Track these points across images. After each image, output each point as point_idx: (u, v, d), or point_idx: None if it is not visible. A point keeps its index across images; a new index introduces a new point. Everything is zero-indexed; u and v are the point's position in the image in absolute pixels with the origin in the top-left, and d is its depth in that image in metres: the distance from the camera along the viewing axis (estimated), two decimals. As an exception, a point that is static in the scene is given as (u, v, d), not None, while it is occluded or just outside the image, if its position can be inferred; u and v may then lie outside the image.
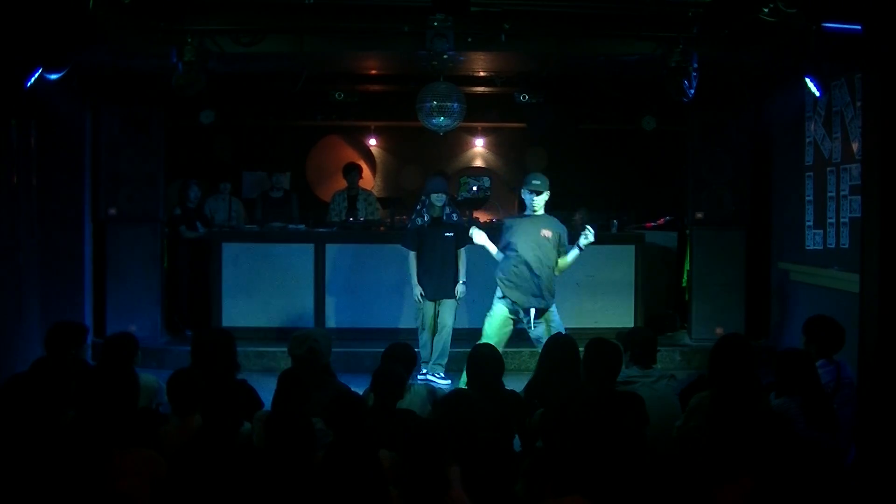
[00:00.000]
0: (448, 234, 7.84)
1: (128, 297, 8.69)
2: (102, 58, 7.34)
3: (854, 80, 7.02)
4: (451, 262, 7.84)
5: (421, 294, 7.79)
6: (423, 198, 7.98)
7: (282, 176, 10.13)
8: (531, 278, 6.83)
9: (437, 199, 7.81)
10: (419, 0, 6.54)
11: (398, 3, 6.92)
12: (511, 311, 6.93)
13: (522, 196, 7.03)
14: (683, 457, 4.20)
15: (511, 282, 6.86)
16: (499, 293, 6.96)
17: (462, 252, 7.88)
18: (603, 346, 4.93)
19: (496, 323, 6.94)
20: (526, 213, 7.02)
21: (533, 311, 6.88)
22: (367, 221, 9.47)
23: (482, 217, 10.04)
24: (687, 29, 6.92)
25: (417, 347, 7.33)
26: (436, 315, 7.87)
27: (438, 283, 7.80)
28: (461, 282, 7.85)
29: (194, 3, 6.81)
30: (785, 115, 8.59)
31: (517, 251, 6.84)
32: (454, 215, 8.14)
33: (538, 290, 6.86)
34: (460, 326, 8.06)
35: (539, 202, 6.93)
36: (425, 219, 7.90)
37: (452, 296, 7.83)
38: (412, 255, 7.85)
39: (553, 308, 7.04)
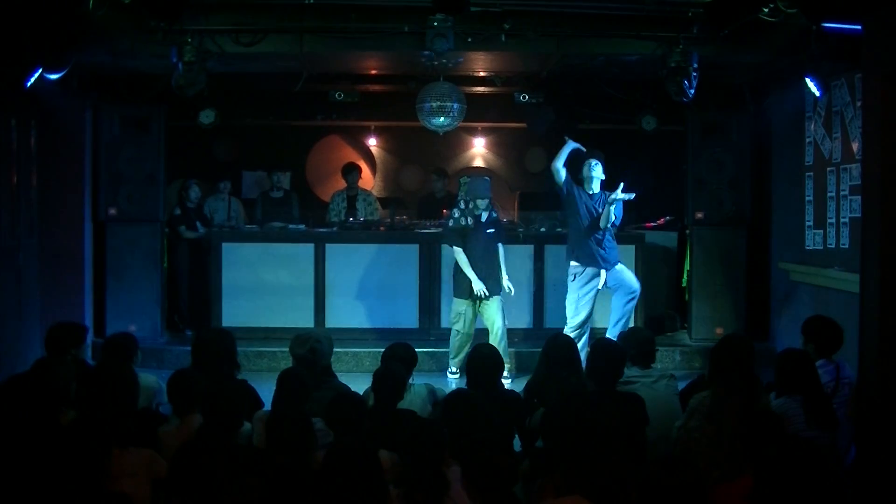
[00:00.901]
0: (489, 230, 7.80)
1: (128, 297, 8.69)
2: (102, 58, 7.34)
3: (854, 80, 7.02)
4: (494, 258, 7.81)
5: (484, 291, 7.64)
6: (468, 199, 7.82)
7: (282, 176, 10.13)
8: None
9: (483, 203, 7.76)
10: (419, 0, 6.54)
11: (398, 3, 6.92)
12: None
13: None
14: (683, 457, 4.19)
15: None
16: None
17: (500, 247, 7.88)
18: (608, 346, 4.94)
19: None
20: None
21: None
22: (367, 221, 9.46)
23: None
24: (687, 29, 6.92)
25: (420, 348, 7.14)
26: (474, 316, 7.79)
27: (484, 281, 7.69)
28: (506, 277, 7.83)
29: (194, 3, 6.80)
30: (785, 115, 8.59)
31: None
32: (493, 213, 8.00)
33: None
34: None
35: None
36: (468, 220, 7.76)
37: (497, 292, 7.76)
38: (459, 251, 7.73)
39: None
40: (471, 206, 7.77)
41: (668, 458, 3.92)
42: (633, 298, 7.85)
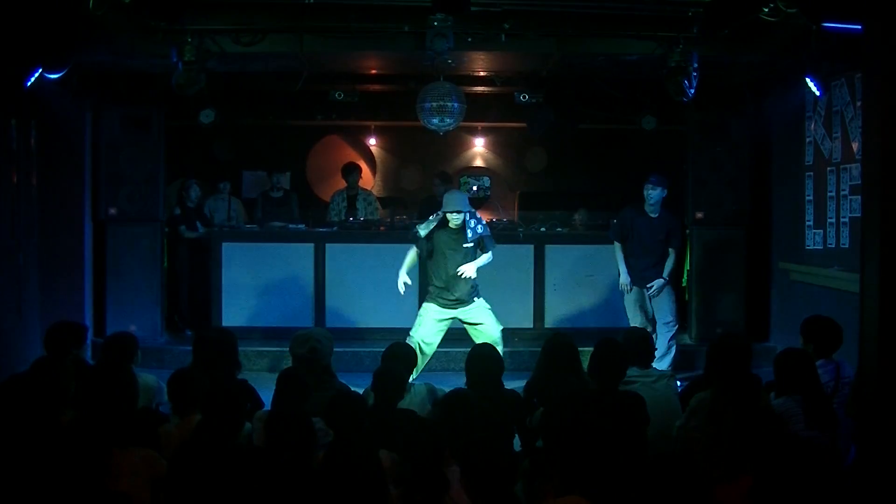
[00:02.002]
0: (467, 244, 7.05)
1: (128, 297, 8.69)
2: (102, 58, 7.34)
3: (854, 80, 7.02)
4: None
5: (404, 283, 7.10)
6: (439, 212, 7.09)
7: (282, 176, 10.13)
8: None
9: (456, 218, 6.98)
10: (419, 0, 6.54)
11: (398, 3, 6.92)
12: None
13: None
14: (683, 457, 4.19)
15: None
16: None
17: (485, 254, 7.11)
18: (612, 346, 4.93)
19: None
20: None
21: None
22: (367, 221, 9.46)
23: (482, 217, 10.02)
24: (687, 29, 6.92)
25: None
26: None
27: (452, 292, 7.05)
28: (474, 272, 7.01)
29: (194, 3, 6.81)
30: (785, 115, 8.59)
31: None
32: (479, 227, 7.12)
33: None
34: (459, 326, 7.99)
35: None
36: (431, 230, 7.04)
37: (471, 300, 7.06)
38: (409, 252, 7.15)
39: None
40: (435, 216, 7.07)
41: (668, 457, 3.93)
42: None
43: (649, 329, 7.60)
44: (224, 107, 8.94)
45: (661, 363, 7.46)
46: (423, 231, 7.10)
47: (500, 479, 3.60)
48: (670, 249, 7.81)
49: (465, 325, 7.18)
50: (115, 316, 8.64)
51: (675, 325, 7.84)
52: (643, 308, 7.91)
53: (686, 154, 9.03)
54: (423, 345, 6.91)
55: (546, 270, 9.00)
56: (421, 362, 6.83)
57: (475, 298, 7.12)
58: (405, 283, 7.17)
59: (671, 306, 7.83)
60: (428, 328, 7.04)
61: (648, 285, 7.81)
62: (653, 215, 7.83)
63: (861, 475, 4.26)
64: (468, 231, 7.06)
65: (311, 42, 7.26)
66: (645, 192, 7.77)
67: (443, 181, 10.33)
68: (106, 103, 8.66)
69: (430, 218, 7.18)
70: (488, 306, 7.14)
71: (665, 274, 7.78)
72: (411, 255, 7.23)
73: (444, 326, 7.11)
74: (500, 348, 6.63)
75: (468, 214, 7.06)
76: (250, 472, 3.62)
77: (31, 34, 6.27)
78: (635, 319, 7.85)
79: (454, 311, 7.09)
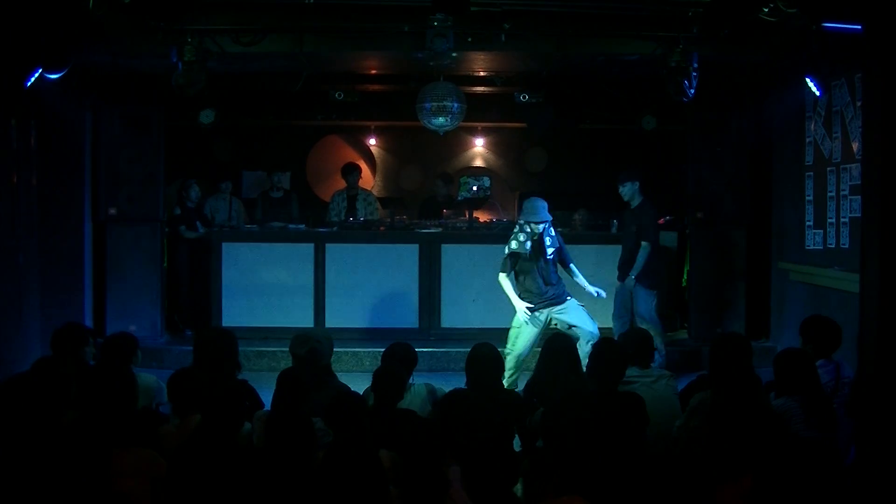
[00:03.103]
0: (550, 250, 6.92)
1: (128, 297, 8.70)
2: (102, 58, 7.34)
3: (854, 80, 7.02)
4: (558, 280, 7.03)
5: (528, 309, 6.85)
6: (524, 223, 6.91)
7: (282, 176, 10.14)
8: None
9: (539, 227, 6.86)
10: (419, 0, 6.55)
11: (398, 3, 6.93)
12: None
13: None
14: (683, 457, 4.19)
15: None
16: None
17: (571, 266, 7.15)
18: (611, 346, 4.93)
19: None
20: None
21: None
22: (367, 221, 9.46)
23: (482, 217, 10.04)
24: (687, 29, 6.93)
25: (420, 348, 6.63)
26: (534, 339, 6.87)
27: (550, 302, 6.92)
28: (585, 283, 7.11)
29: (194, 3, 6.81)
30: (785, 115, 8.59)
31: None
32: (551, 235, 6.96)
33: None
34: (459, 326, 8.01)
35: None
36: (526, 245, 6.86)
37: (565, 299, 6.95)
38: (503, 277, 6.92)
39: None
40: (528, 230, 6.86)
41: (668, 457, 3.93)
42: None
43: (628, 323, 7.82)
44: (224, 107, 8.95)
45: None
46: (517, 247, 6.89)
47: (500, 479, 3.60)
48: (643, 243, 7.84)
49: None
50: (115, 316, 8.64)
51: (643, 324, 7.74)
52: (623, 303, 7.98)
53: (686, 154, 9.03)
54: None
55: (546, 270, 8.98)
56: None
57: (567, 298, 6.97)
58: (528, 308, 6.88)
59: (641, 306, 7.86)
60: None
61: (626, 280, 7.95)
62: (632, 207, 8.03)
63: (861, 475, 4.27)
64: (546, 240, 6.88)
65: (311, 42, 7.27)
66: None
67: (444, 182, 10.34)
68: (106, 103, 8.67)
69: (516, 230, 6.95)
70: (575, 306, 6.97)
71: (633, 272, 7.83)
72: (507, 281, 6.99)
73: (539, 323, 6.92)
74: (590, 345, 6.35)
75: (548, 224, 6.91)
76: (250, 472, 3.63)
77: (31, 34, 6.27)
78: (614, 313, 7.98)
79: (545, 311, 6.93)
